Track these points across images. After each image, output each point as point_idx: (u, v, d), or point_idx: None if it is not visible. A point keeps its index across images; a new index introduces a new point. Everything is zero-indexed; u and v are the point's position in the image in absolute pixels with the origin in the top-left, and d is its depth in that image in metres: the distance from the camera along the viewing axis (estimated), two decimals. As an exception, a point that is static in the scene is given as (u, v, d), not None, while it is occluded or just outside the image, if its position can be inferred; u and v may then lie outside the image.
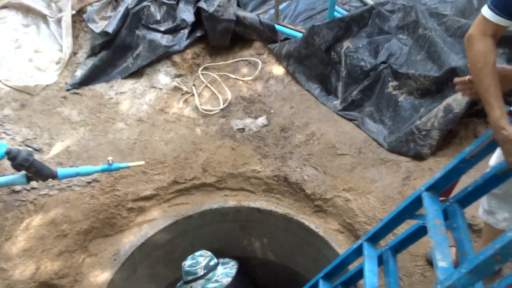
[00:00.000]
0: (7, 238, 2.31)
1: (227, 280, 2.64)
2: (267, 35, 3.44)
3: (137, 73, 3.41)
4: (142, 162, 2.40)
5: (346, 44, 3.06)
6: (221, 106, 3.08)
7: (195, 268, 2.63)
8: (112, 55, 3.40)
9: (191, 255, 2.66)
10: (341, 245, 2.46)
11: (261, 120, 3.00)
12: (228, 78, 3.33)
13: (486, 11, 1.32)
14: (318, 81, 3.18)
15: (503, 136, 1.26)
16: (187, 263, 2.65)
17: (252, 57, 3.47)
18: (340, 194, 2.55)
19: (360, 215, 2.45)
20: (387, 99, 2.89)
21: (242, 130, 2.96)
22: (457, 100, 2.53)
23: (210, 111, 3.07)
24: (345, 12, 3.52)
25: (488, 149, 1.41)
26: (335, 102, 3.06)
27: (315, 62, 3.14)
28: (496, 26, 1.30)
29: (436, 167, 2.59)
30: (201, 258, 2.66)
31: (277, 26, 3.41)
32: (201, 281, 2.62)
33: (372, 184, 2.57)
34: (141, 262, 2.60)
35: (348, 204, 2.51)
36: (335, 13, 3.37)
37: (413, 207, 1.66)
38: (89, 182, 2.61)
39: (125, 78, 3.39)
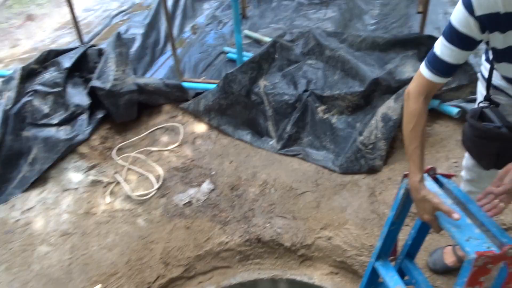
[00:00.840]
0: None
1: None
2: (176, 96, 3.21)
3: (39, 180, 2.86)
4: (99, 286, 1.95)
5: (263, 83, 2.99)
6: (156, 186, 2.73)
7: None
8: (2, 169, 2.80)
9: None
10: (341, 287, 2.30)
11: (206, 186, 2.73)
12: (150, 153, 2.99)
13: (423, 68, 1.36)
14: (246, 126, 3.03)
15: (420, 196, 1.34)
16: None
17: (166, 122, 3.19)
18: (320, 235, 2.40)
19: (348, 248, 2.32)
20: (321, 125, 2.87)
21: (189, 203, 2.64)
22: (391, 108, 2.60)
23: (145, 195, 2.70)
24: (245, 53, 3.47)
25: (406, 207, 1.52)
26: (271, 142, 2.94)
27: (238, 109, 3.00)
28: (431, 83, 1.35)
29: (393, 174, 2.61)
30: None
31: (184, 84, 3.19)
32: None
33: (344, 212, 2.48)
34: None
35: (332, 241, 2.37)
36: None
37: (373, 278, 1.72)
38: (32, 336, 2.04)
39: (26, 190, 2.81)
